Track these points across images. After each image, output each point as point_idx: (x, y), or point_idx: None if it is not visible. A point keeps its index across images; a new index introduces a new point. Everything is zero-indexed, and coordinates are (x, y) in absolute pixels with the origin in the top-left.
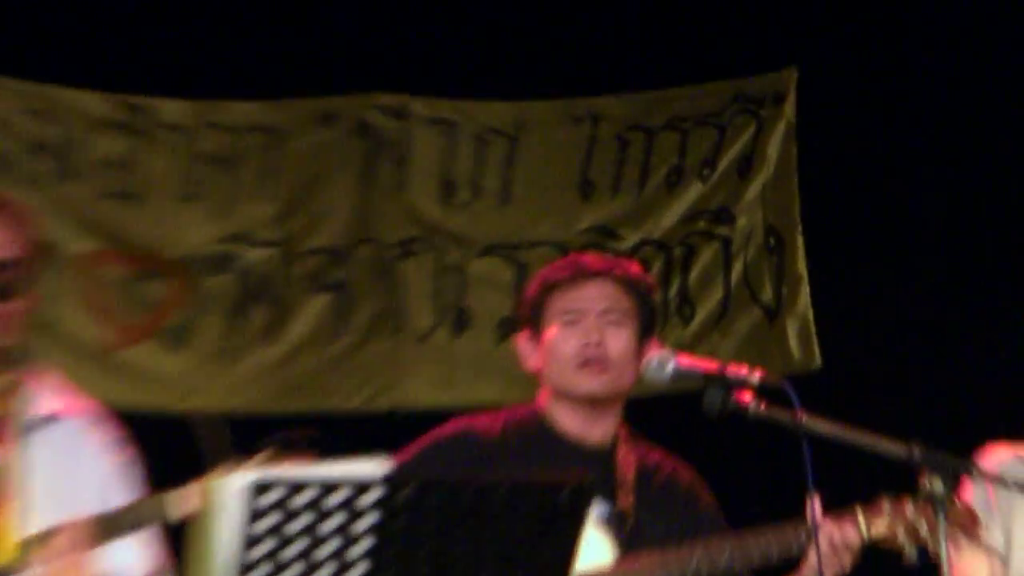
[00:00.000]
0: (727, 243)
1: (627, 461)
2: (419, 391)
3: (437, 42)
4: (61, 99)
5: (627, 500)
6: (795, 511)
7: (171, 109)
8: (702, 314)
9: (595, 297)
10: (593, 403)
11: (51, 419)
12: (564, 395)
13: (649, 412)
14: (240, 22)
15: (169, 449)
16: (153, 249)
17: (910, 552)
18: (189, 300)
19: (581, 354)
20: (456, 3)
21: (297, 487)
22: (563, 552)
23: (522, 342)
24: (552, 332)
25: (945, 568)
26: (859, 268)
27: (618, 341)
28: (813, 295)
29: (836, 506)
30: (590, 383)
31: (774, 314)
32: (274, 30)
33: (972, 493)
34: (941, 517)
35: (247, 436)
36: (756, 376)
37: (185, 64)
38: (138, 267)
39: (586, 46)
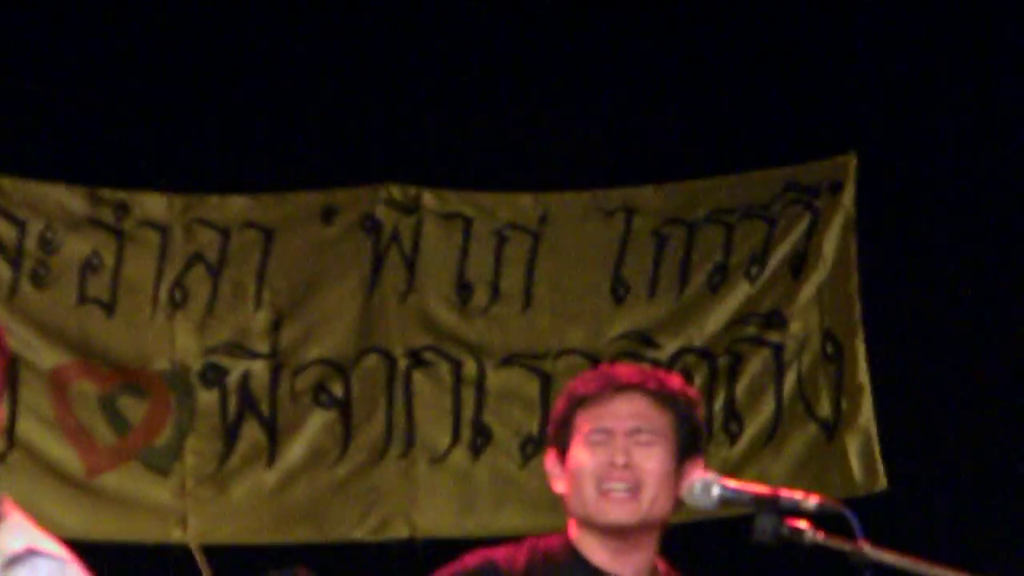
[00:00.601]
0: (779, 350)
1: None
2: (434, 519)
3: (450, 127)
4: (28, 194)
5: None
6: None
7: (153, 204)
8: (751, 431)
9: (624, 414)
10: (621, 534)
11: (28, 555)
12: (589, 524)
13: (690, 540)
14: (230, 106)
15: None
16: (133, 362)
17: None
18: (174, 419)
19: (605, 478)
20: (470, 84)
21: None
22: None
23: (550, 463)
24: (576, 453)
25: None
26: (928, 378)
27: (649, 463)
28: (877, 408)
29: None
30: (616, 512)
31: (833, 430)
32: (268, 115)
33: None
34: None
35: (242, 569)
36: (812, 500)
37: (168, 153)
38: (117, 382)
39: (618, 130)
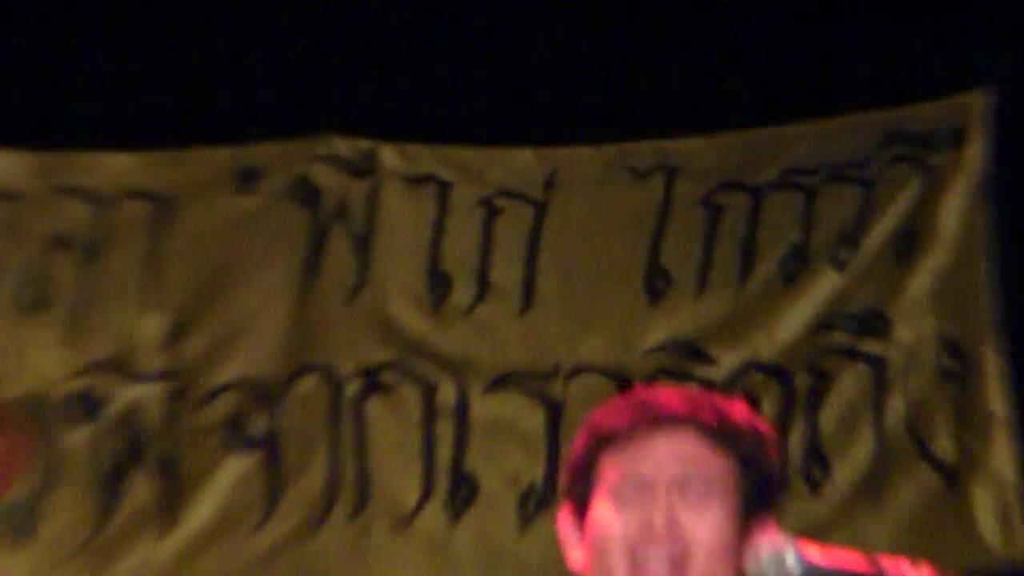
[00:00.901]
0: (880, 366)
1: None
2: None
3: (416, 58)
4: None
5: None
6: None
7: (3, 166)
8: (842, 477)
9: (667, 458)
10: None
11: None
12: None
13: None
14: (110, 35)
15: None
16: None
17: None
18: (33, 465)
19: (640, 547)
20: (447, 4)
21: None
22: None
23: (563, 525)
24: (599, 512)
25: None
26: None
27: (701, 526)
28: (1018, 447)
29: None
30: None
31: (955, 476)
32: (162, 46)
33: None
34: None
35: None
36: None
37: (28, 99)
38: None
39: (651, 61)
